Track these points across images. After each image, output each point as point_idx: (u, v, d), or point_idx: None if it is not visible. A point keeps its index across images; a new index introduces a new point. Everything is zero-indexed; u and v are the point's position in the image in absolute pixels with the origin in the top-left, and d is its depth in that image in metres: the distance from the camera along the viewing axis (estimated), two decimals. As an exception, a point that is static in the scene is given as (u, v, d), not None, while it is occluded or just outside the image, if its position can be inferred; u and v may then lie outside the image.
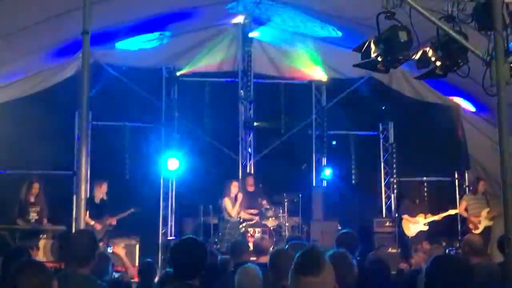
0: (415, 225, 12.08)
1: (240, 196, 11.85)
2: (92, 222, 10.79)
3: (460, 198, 13.25)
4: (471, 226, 11.95)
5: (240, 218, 11.88)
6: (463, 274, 2.94)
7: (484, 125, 12.76)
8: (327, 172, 13.70)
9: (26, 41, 9.21)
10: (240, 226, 11.76)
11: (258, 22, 12.46)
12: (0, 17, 8.06)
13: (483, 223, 11.79)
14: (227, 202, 11.80)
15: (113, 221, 11.30)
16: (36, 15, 8.39)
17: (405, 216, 12.22)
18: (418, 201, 12.40)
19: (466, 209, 12.19)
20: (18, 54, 9.85)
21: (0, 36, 8.62)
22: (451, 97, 13.40)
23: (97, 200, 11.21)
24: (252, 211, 12.16)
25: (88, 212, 9.98)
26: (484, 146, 12.52)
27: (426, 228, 12.08)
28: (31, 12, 8.20)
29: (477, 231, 11.45)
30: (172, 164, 12.70)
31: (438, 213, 12.20)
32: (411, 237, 12.10)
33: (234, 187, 11.86)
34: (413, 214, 12.16)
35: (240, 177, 12.95)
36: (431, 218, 12.11)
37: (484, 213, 11.82)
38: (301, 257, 3.05)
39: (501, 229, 5.22)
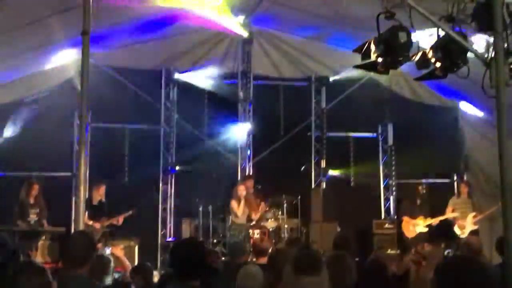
0: (415, 226, 12.06)
1: (243, 195, 11.77)
2: (91, 222, 10.78)
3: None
4: (457, 230, 11.97)
5: (251, 220, 11.82)
6: (478, 275, 2.93)
7: (483, 126, 12.74)
8: None
9: (25, 38, 9.19)
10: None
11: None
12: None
13: (468, 227, 11.80)
14: (234, 204, 11.75)
15: (120, 220, 11.26)
16: (35, 12, 8.37)
17: (405, 218, 12.21)
18: (419, 202, 12.38)
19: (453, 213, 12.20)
20: (18, 51, 9.82)
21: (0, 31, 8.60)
22: (450, 99, 13.39)
23: (94, 202, 11.18)
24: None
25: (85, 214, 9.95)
26: (483, 147, 12.50)
27: (426, 229, 12.07)
28: (30, 9, 8.18)
29: (463, 236, 11.46)
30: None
31: (439, 215, 12.19)
32: (411, 238, 12.08)
33: (241, 190, 11.81)
34: (413, 216, 12.15)
35: (239, 179, 12.94)
36: (431, 220, 12.10)
37: (469, 218, 11.84)
38: (300, 257, 3.05)
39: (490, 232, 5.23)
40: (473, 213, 11.88)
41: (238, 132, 13.63)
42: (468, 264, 3.04)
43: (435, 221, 12.09)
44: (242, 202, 11.72)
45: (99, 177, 11.61)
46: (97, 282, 4.51)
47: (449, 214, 12.27)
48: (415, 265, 6.74)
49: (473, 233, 11.47)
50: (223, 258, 9.74)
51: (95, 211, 10.99)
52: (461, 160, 13.95)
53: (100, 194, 11.27)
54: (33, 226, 10.47)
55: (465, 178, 13.79)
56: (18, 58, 10.13)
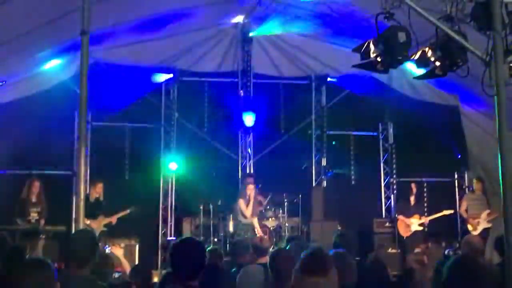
0: (410, 225, 12.08)
1: (252, 196, 11.75)
2: (88, 221, 10.75)
3: (460, 198, 13.23)
4: (470, 227, 11.94)
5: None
6: (477, 275, 2.94)
7: (485, 122, 12.69)
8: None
9: (27, 44, 9.18)
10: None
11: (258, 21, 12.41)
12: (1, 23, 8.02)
13: (482, 224, 11.76)
14: (241, 203, 11.71)
15: (114, 220, 11.28)
16: (36, 17, 8.36)
17: (400, 217, 12.24)
18: (414, 201, 12.38)
19: (466, 210, 12.16)
20: (19, 57, 9.83)
21: (2, 42, 8.60)
22: (451, 96, 13.37)
23: (91, 199, 11.15)
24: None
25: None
26: (485, 143, 12.46)
27: (420, 228, 12.07)
28: (31, 15, 8.17)
29: (475, 232, 11.43)
30: (172, 165, 12.75)
31: (434, 214, 12.20)
32: (407, 237, 12.10)
33: (250, 190, 11.79)
34: (408, 215, 12.16)
35: (240, 178, 12.93)
36: (425, 219, 12.11)
37: (483, 215, 11.79)
38: (308, 257, 3.07)
39: (498, 230, 5.20)
40: (487, 211, 11.83)
41: (238, 131, 13.62)
42: (468, 263, 3.05)
43: (425, 220, 12.09)
44: (251, 202, 11.69)
45: (96, 174, 11.60)
46: (100, 281, 4.51)
47: (444, 212, 12.28)
48: (419, 265, 6.74)
49: (484, 231, 11.45)
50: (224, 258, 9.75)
51: (91, 209, 10.96)
52: (462, 158, 13.93)
53: (97, 191, 11.27)
54: (33, 225, 10.44)
55: (466, 176, 13.79)
56: (18, 59, 10.12)
